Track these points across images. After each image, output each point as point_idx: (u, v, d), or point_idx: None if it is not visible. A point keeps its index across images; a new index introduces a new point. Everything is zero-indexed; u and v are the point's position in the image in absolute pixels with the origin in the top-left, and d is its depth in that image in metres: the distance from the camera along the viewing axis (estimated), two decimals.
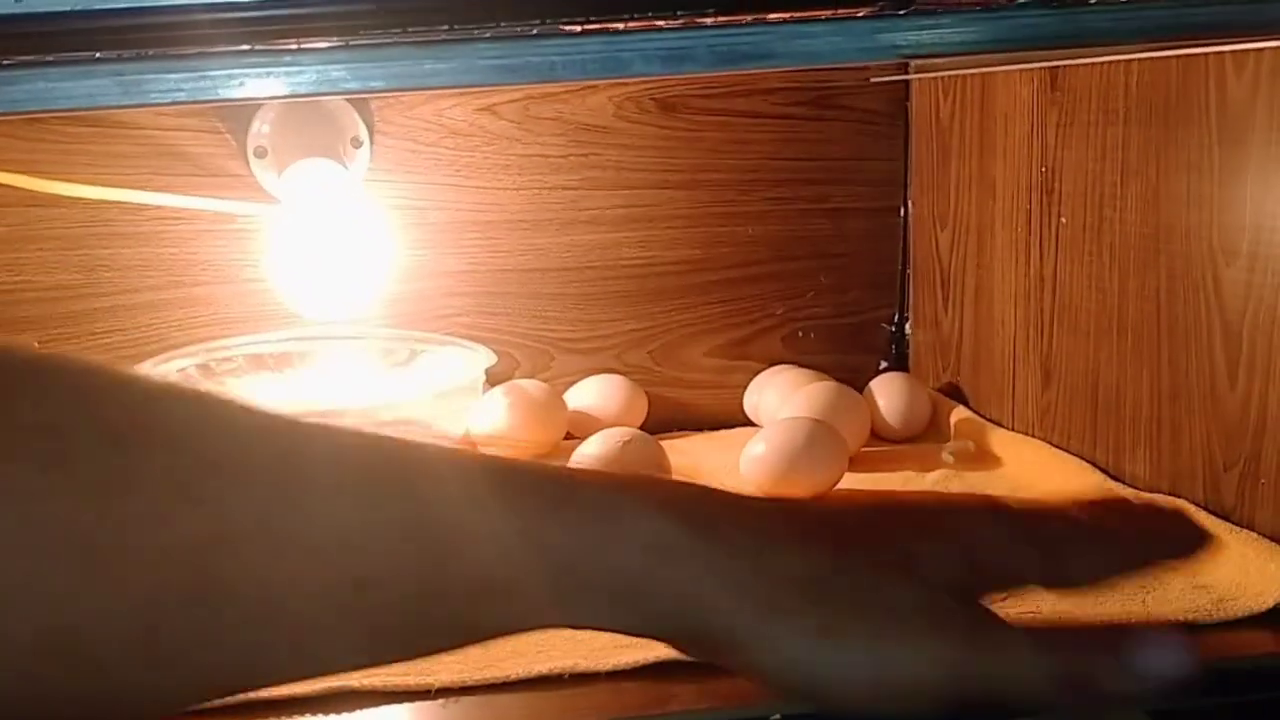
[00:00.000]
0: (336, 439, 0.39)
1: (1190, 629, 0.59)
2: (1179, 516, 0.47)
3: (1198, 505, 0.67)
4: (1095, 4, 0.52)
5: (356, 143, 0.91)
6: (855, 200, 1.01)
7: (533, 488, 0.40)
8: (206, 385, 0.85)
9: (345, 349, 0.92)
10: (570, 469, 0.42)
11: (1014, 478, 0.82)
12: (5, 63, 0.44)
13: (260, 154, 0.90)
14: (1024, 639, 0.42)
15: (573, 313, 0.99)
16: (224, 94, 0.45)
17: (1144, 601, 0.61)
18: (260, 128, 0.90)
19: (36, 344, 0.92)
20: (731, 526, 0.42)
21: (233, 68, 0.44)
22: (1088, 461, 0.78)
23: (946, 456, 0.86)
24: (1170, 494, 0.70)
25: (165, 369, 0.86)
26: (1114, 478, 0.75)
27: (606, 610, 0.40)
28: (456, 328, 0.96)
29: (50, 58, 0.45)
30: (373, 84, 0.46)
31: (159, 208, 0.90)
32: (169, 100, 0.44)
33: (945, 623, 0.40)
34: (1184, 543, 0.46)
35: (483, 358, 0.87)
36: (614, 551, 0.40)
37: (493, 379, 0.89)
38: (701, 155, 0.99)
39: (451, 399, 0.84)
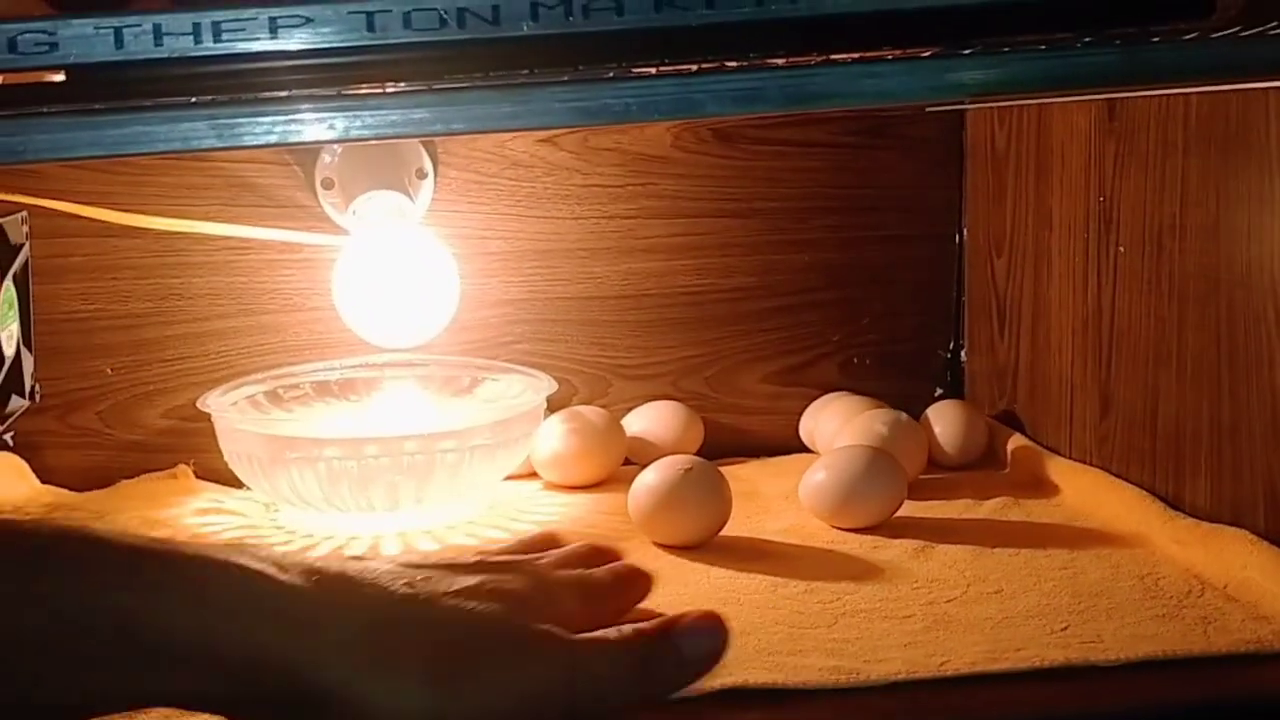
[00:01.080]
0: None
1: (1253, 659, 0.59)
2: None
3: (1259, 535, 0.68)
4: (1158, 41, 0.53)
5: (421, 174, 0.93)
6: (910, 228, 1.02)
7: (120, 561, 0.41)
8: None
9: (409, 376, 0.94)
10: (164, 540, 0.43)
11: (1072, 506, 0.82)
12: (105, 107, 0.46)
13: (328, 185, 0.92)
14: (600, 652, 0.45)
15: (630, 339, 1.00)
16: (312, 136, 0.47)
17: (1205, 632, 0.62)
18: (328, 160, 0.92)
19: (110, 370, 0.94)
20: (354, 597, 0.44)
21: (322, 111, 0.46)
22: (1146, 490, 0.78)
23: None
24: (1231, 523, 0.70)
25: (234, 395, 0.88)
26: (1174, 506, 0.76)
27: (203, 679, 0.41)
28: (516, 355, 0.98)
29: (148, 102, 0.47)
30: (455, 126, 0.48)
31: (229, 238, 0.92)
32: (260, 143, 0.46)
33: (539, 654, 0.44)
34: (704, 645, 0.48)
35: (544, 385, 0.89)
36: (234, 626, 0.42)
37: (552, 405, 0.90)
38: (757, 184, 1.00)
39: (513, 426, 0.85)
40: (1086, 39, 0.53)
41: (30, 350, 0.80)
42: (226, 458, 0.84)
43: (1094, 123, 0.83)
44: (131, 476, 0.93)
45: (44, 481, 0.91)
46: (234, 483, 0.89)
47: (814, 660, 0.59)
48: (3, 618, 0.40)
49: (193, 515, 0.85)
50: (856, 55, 0.52)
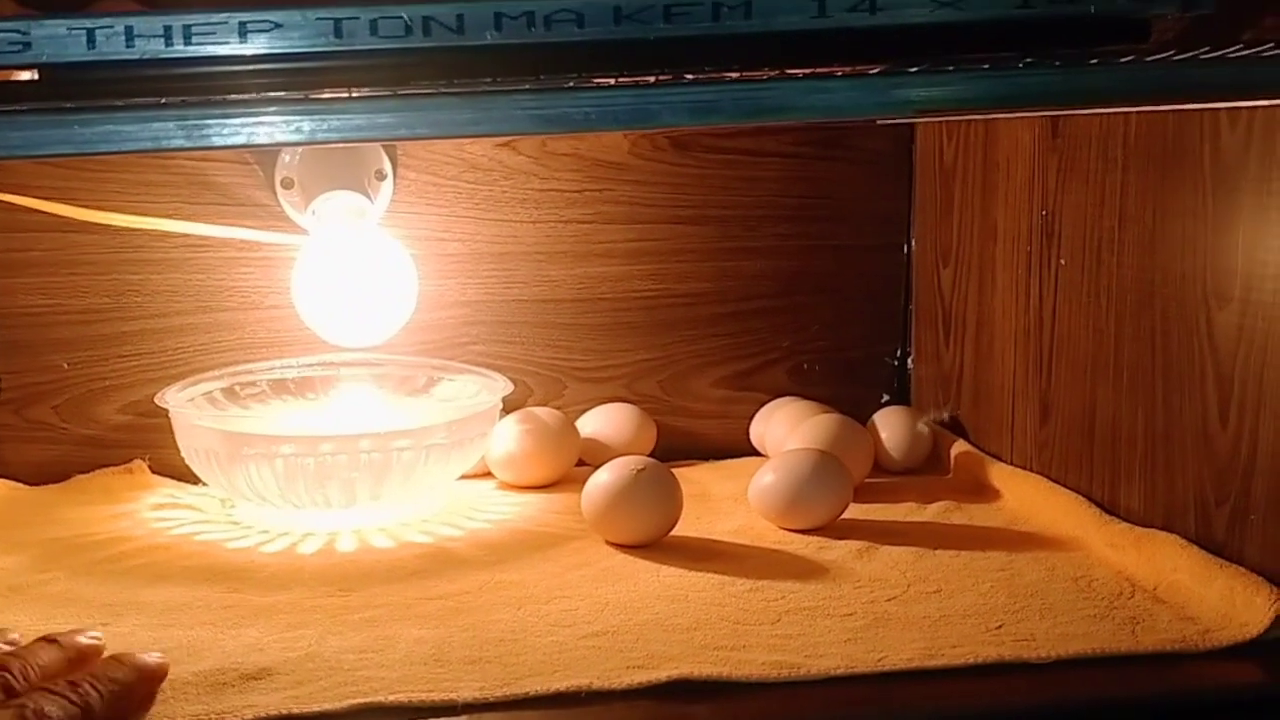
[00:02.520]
0: None
1: (1178, 658, 0.62)
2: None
3: (1189, 539, 0.70)
4: (1096, 64, 0.55)
5: (380, 175, 0.94)
6: (860, 238, 1.05)
7: None
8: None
9: (366, 375, 0.95)
10: None
11: (1012, 510, 0.84)
12: (75, 106, 0.47)
13: (287, 185, 0.93)
14: None
15: (585, 342, 1.02)
16: (279, 138, 0.48)
17: (1133, 632, 0.64)
18: (288, 159, 0.93)
19: (67, 365, 0.94)
20: None
21: (290, 114, 0.47)
22: (1083, 495, 0.81)
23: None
24: (1163, 528, 0.73)
25: (191, 391, 0.89)
26: (1109, 511, 0.78)
27: None
28: (473, 355, 0.99)
29: (119, 102, 0.48)
30: (418, 131, 0.49)
31: (188, 235, 0.93)
32: (228, 144, 0.47)
33: None
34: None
35: (499, 386, 0.90)
36: None
37: (507, 406, 0.92)
38: (712, 192, 1.02)
39: (468, 425, 0.87)
40: (1028, 60, 0.55)
41: None
42: (184, 454, 0.85)
43: (1038, 139, 0.86)
44: (87, 471, 0.93)
45: (1, 476, 0.91)
46: (190, 478, 0.89)
47: (757, 655, 0.61)
48: None
49: (149, 510, 0.86)
50: (808, 71, 0.54)
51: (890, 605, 0.68)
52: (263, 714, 0.55)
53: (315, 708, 0.55)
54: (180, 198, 0.94)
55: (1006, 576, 0.72)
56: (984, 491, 0.88)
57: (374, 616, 0.67)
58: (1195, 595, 0.66)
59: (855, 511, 0.83)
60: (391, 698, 0.56)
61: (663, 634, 0.64)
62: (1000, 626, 0.65)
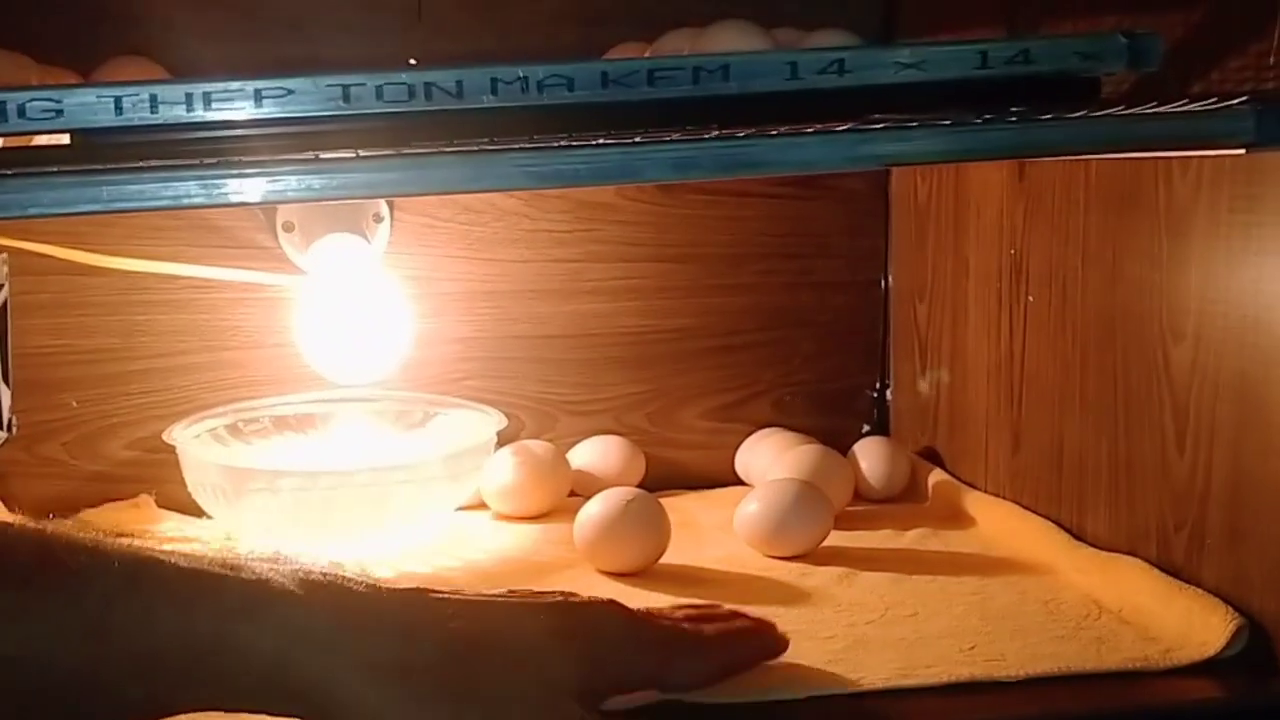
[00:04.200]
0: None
1: (1140, 676, 0.65)
2: (761, 624, 0.64)
3: (1150, 562, 0.74)
4: (1049, 119, 0.59)
5: (378, 218, 0.98)
6: (838, 274, 1.08)
7: (185, 577, 0.47)
8: None
9: (364, 411, 0.98)
10: (226, 558, 0.50)
11: (986, 536, 0.88)
12: (104, 168, 0.51)
13: (288, 228, 0.97)
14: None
15: (575, 377, 1.05)
16: (293, 196, 0.51)
17: (1099, 651, 0.68)
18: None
19: (75, 403, 0.98)
20: (373, 618, 0.50)
21: (302, 173, 0.51)
22: (1053, 522, 0.84)
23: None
24: (1128, 552, 0.76)
25: (197, 428, 0.92)
26: (1077, 537, 0.82)
27: (249, 691, 0.47)
28: (466, 390, 1.02)
29: (142, 164, 0.51)
30: (422, 187, 0.53)
31: (192, 278, 0.97)
32: (245, 201, 0.51)
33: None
34: (761, 645, 0.64)
35: (493, 420, 0.94)
36: (256, 638, 0.48)
37: (500, 439, 0.95)
38: (696, 231, 1.06)
39: (464, 459, 0.90)
40: (987, 116, 0.59)
41: (8, 385, 0.84)
42: (190, 488, 0.88)
43: (1006, 181, 0.90)
44: (95, 505, 0.96)
45: (9, 509, 0.94)
46: (194, 511, 0.93)
47: (744, 677, 0.64)
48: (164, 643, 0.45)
49: (157, 543, 0.89)
50: (784, 129, 0.58)
51: (869, 628, 0.72)
52: None
53: None
54: (185, 241, 0.97)
55: (979, 600, 0.76)
56: (959, 519, 0.92)
57: None
58: (1157, 616, 0.70)
59: (836, 539, 0.86)
60: None
61: None
62: (973, 647, 0.68)
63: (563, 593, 0.60)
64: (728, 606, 0.68)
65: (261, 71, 0.51)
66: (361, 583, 0.53)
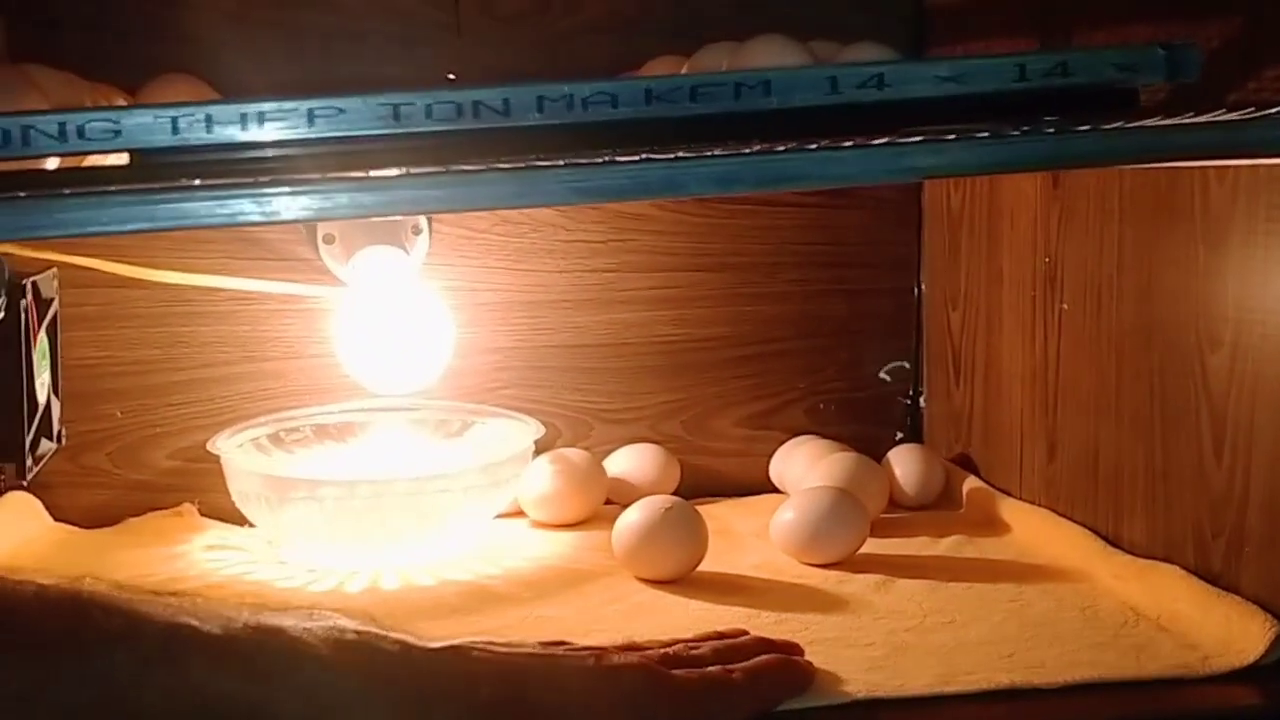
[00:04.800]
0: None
1: (1179, 683, 0.66)
2: (788, 660, 0.65)
3: (1188, 570, 0.74)
4: (1087, 130, 0.60)
5: (416, 230, 0.99)
6: (872, 282, 1.09)
7: (217, 644, 0.48)
8: None
9: (403, 420, 0.99)
10: (260, 619, 0.51)
11: (1021, 543, 0.88)
12: (161, 187, 0.52)
13: (329, 240, 0.98)
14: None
15: (611, 385, 1.06)
16: (346, 212, 0.52)
17: (1138, 658, 0.68)
18: None
19: (119, 413, 0.99)
20: (402, 681, 0.51)
21: (354, 190, 0.52)
22: (1089, 529, 0.85)
23: (884, 375, 1.01)
24: (1164, 559, 0.77)
25: (239, 438, 0.94)
26: (1113, 544, 0.82)
27: None
28: (504, 400, 1.03)
29: (198, 182, 0.53)
30: (469, 204, 0.54)
31: (234, 290, 0.98)
32: (298, 218, 0.52)
33: None
34: (789, 681, 0.64)
35: (532, 429, 0.95)
36: (286, 701, 0.49)
37: (536, 448, 0.96)
38: (730, 240, 1.07)
39: (502, 467, 0.91)
40: (1025, 128, 0.60)
41: (58, 396, 0.85)
42: (234, 497, 0.90)
43: (1040, 190, 0.90)
44: (138, 514, 0.98)
45: (55, 519, 0.96)
46: (235, 520, 0.94)
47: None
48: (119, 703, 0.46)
49: (201, 551, 0.91)
50: (823, 144, 0.59)
51: (908, 635, 0.72)
52: None
53: None
54: (227, 254, 0.99)
55: (1017, 607, 0.76)
56: (994, 526, 0.92)
57: None
58: (1196, 624, 0.70)
59: (872, 546, 0.86)
60: None
61: None
62: (1012, 654, 0.69)
63: (596, 651, 0.60)
64: (753, 635, 0.68)
65: (302, 88, 0.53)
66: (395, 641, 0.54)
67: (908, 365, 1.07)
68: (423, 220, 0.99)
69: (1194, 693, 0.65)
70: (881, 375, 1.06)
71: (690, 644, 0.65)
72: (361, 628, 0.54)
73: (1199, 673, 0.66)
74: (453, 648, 0.56)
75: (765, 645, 0.66)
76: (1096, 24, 0.83)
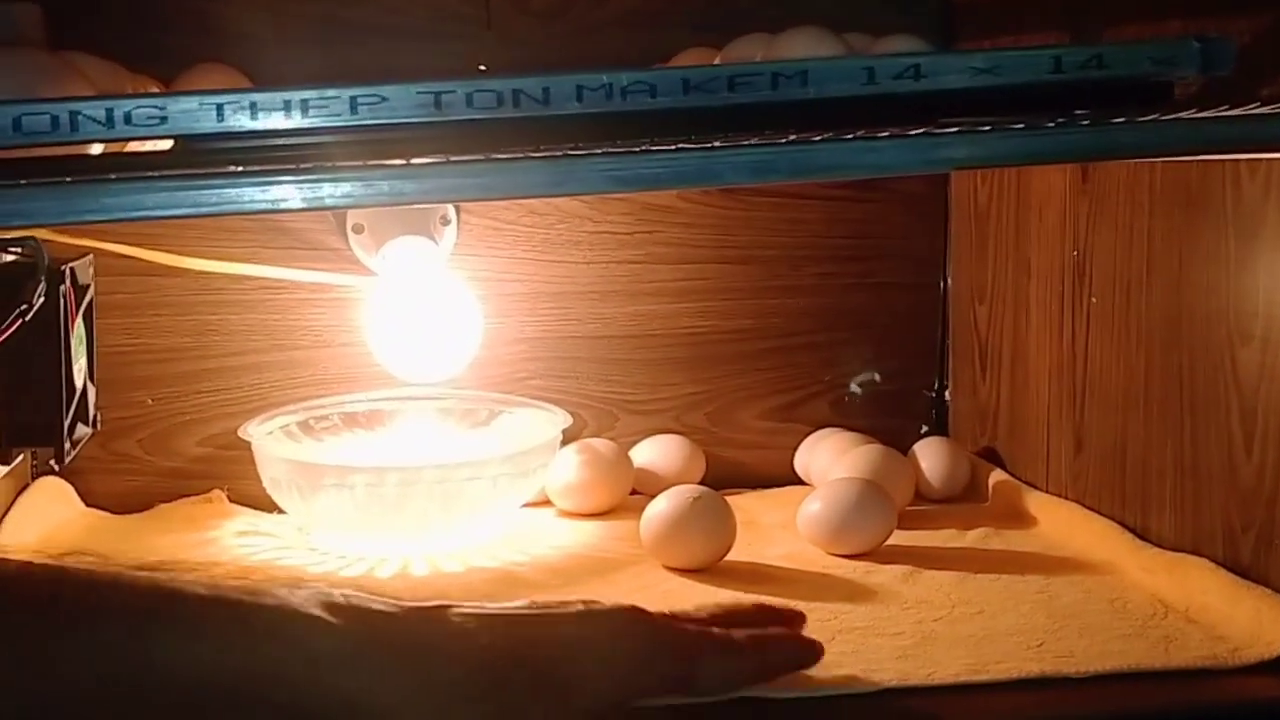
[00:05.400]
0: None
1: (1209, 674, 0.66)
2: (793, 618, 0.65)
3: (1217, 563, 0.74)
4: (1121, 122, 0.60)
5: (445, 221, 1.00)
6: (898, 276, 1.09)
7: (208, 606, 0.48)
8: None
9: (431, 409, 1.00)
10: (245, 584, 0.51)
11: (1048, 536, 0.89)
12: (205, 173, 0.53)
13: (358, 230, 0.98)
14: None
15: (636, 376, 1.07)
16: (386, 199, 0.53)
17: (1167, 650, 0.68)
18: None
19: (150, 400, 1.00)
20: (396, 636, 0.51)
21: (395, 177, 0.53)
22: (1116, 522, 0.85)
23: (855, 388, 1.01)
24: (1193, 553, 0.77)
25: (269, 425, 0.95)
26: (1141, 537, 0.82)
27: (279, 711, 0.48)
28: (530, 389, 1.04)
29: (241, 169, 0.53)
30: (509, 191, 0.55)
31: (264, 278, 0.99)
32: (340, 205, 0.53)
33: None
34: (795, 652, 0.63)
35: (559, 419, 0.95)
36: (283, 661, 0.49)
37: (563, 437, 0.96)
38: (756, 233, 1.07)
39: (530, 456, 0.92)
40: (1060, 120, 0.60)
41: (93, 382, 0.86)
42: (265, 484, 0.91)
43: (1069, 184, 0.91)
44: (168, 501, 0.99)
45: (87, 505, 0.97)
46: (265, 506, 0.95)
47: (817, 671, 0.65)
48: (107, 667, 0.46)
49: (232, 537, 0.91)
50: (859, 133, 0.59)
51: (936, 625, 0.73)
52: None
53: None
54: (257, 243, 0.99)
55: (1045, 599, 0.76)
56: (1021, 519, 0.92)
57: None
58: (1225, 616, 0.70)
59: (898, 538, 0.87)
60: None
61: None
62: (1041, 644, 0.69)
63: (585, 601, 0.60)
64: (755, 602, 0.68)
65: (333, 80, 0.53)
66: (383, 602, 0.54)
67: (878, 378, 1.07)
68: (451, 211, 1.00)
69: (1223, 683, 0.65)
70: (853, 388, 1.06)
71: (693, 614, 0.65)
72: (350, 592, 0.54)
73: (1228, 664, 0.66)
74: (443, 606, 0.56)
75: (770, 613, 0.66)
76: (1124, 18, 0.83)
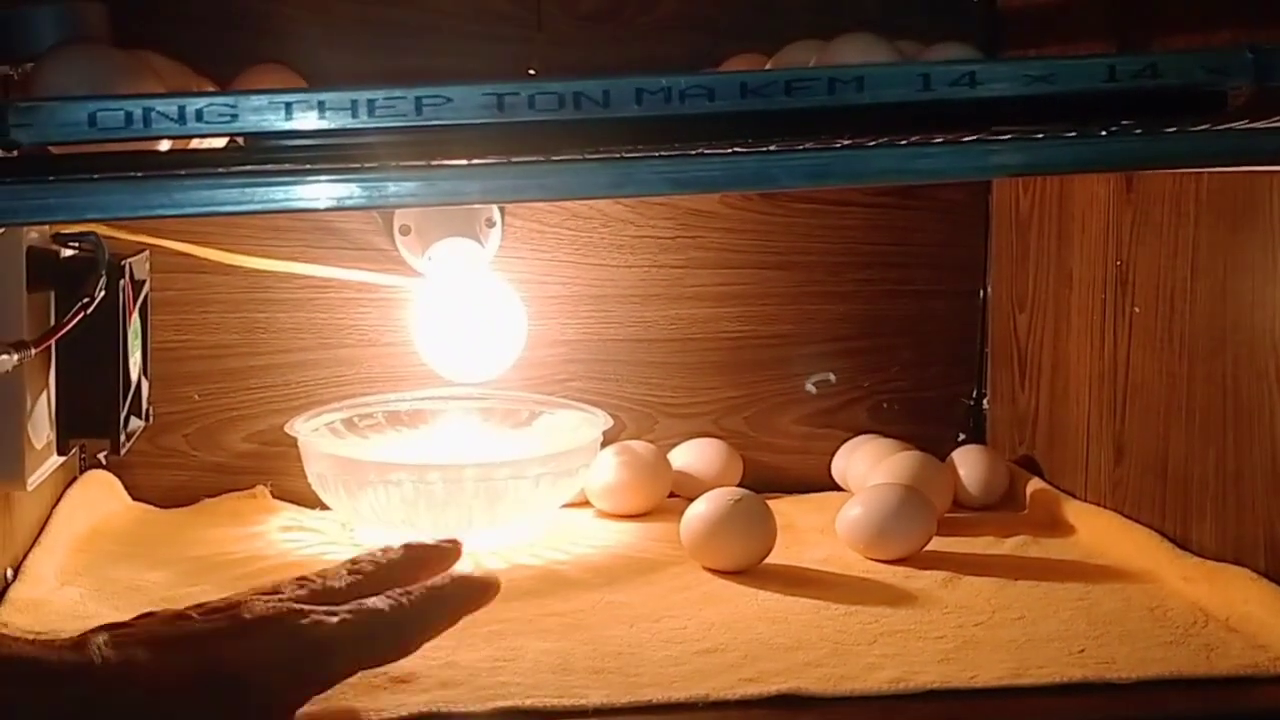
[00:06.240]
0: None
1: (1251, 682, 0.66)
2: (444, 555, 0.69)
3: (1259, 573, 0.74)
4: (1173, 131, 0.60)
5: (490, 223, 1.01)
6: (938, 283, 1.10)
7: None
8: None
9: (473, 409, 1.01)
10: None
11: (1087, 545, 0.89)
12: (273, 169, 0.54)
13: (405, 232, 1.00)
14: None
15: (676, 380, 1.07)
16: (449, 198, 0.54)
17: (1208, 657, 0.68)
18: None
19: (197, 396, 1.02)
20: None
21: (458, 177, 0.54)
22: (1156, 531, 0.85)
23: (810, 388, 1.01)
24: (1234, 563, 0.77)
25: (315, 422, 0.96)
26: (1182, 547, 0.82)
27: None
28: (570, 391, 1.05)
29: (270, 167, 0.54)
30: (570, 192, 0.56)
31: (312, 277, 1.00)
32: (404, 203, 0.54)
33: None
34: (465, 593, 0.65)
35: (599, 420, 0.96)
36: None
37: (603, 439, 0.97)
38: (797, 239, 1.08)
39: (571, 457, 0.92)
40: (1111, 129, 0.60)
41: (147, 376, 0.87)
42: (311, 480, 0.92)
43: (1113, 193, 0.91)
44: (214, 495, 1.00)
45: (133, 498, 0.98)
46: (308, 503, 0.96)
47: (858, 672, 0.66)
48: None
49: (278, 532, 0.93)
50: (913, 139, 0.60)
51: (977, 630, 0.73)
52: (414, 712, 0.60)
53: (460, 709, 0.61)
54: (306, 242, 1.01)
55: (1085, 606, 0.77)
56: (1059, 527, 0.93)
57: (500, 630, 0.72)
58: (1266, 625, 0.71)
59: (937, 544, 0.87)
60: (527, 702, 0.62)
61: (767, 652, 0.70)
62: (1082, 650, 0.70)
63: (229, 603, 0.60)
64: (404, 546, 0.69)
65: (382, 79, 0.54)
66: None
67: (833, 378, 1.07)
68: (496, 213, 1.01)
69: (1265, 691, 0.66)
70: (808, 387, 1.07)
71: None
72: None
73: (1270, 672, 0.66)
74: (89, 634, 0.56)
75: (419, 554, 0.68)
76: (1172, 28, 0.83)
